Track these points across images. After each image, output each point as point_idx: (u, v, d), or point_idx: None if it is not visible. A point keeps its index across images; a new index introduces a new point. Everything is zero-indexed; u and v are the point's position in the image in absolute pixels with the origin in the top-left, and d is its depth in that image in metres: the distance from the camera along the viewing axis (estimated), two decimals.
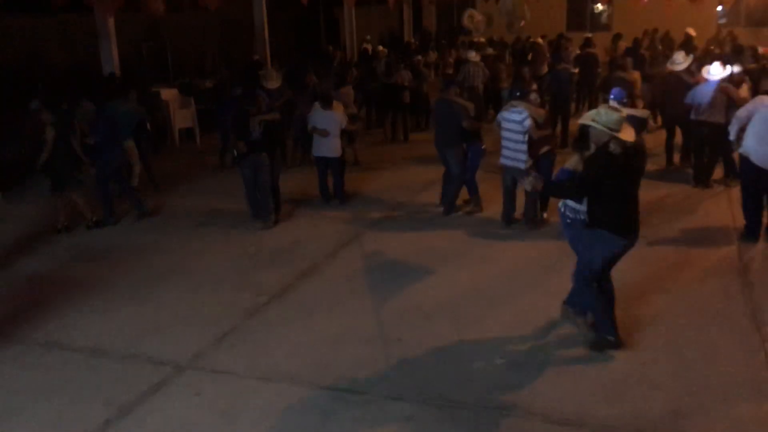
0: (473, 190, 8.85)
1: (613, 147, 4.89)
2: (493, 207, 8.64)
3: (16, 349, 5.69)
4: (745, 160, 7.38)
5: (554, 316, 5.83)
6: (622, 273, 6.30)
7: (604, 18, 25.14)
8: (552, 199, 7.90)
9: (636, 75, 11.25)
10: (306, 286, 6.78)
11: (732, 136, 7.69)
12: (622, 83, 9.90)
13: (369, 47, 18.67)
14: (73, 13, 14.75)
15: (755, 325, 5.58)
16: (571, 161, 5.52)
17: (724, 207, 8.64)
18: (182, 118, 13.87)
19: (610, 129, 4.85)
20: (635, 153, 5.02)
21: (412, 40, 21.29)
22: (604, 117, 4.89)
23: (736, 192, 8.28)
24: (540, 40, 16.59)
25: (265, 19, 17.13)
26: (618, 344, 5.23)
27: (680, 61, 10.27)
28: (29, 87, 14.29)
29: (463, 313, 6.00)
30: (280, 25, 21.00)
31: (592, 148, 5.10)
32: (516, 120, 7.66)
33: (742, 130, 7.53)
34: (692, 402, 4.57)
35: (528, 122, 7.57)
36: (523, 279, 6.69)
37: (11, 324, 6.17)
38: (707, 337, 5.41)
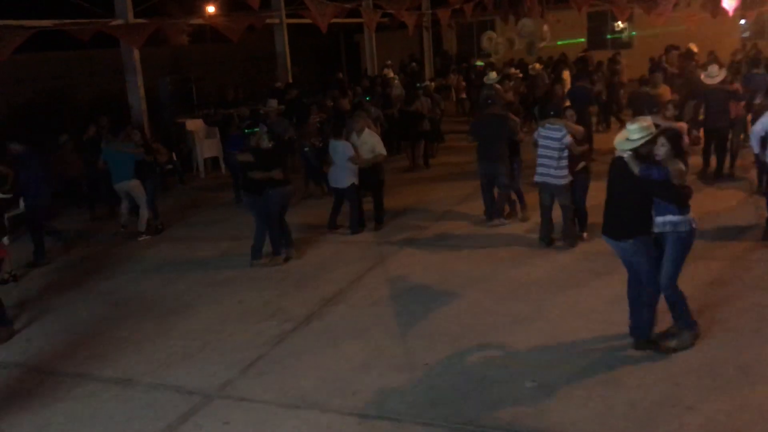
0: (521, 200, 9.22)
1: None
2: (519, 224, 8.86)
3: (47, 381, 5.75)
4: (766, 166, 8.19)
5: (582, 337, 5.76)
6: None
7: (625, 36, 25.05)
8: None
9: (663, 90, 11.28)
10: (332, 312, 6.78)
11: (756, 150, 8.15)
12: (647, 98, 10.14)
13: (390, 72, 18.75)
14: (100, 47, 15.11)
15: None
16: None
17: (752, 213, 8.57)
18: (207, 148, 14.08)
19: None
20: (614, 163, 5.51)
21: (415, 66, 21.28)
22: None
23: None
24: (537, 66, 16.57)
25: (287, 48, 17.35)
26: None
27: (715, 73, 10.43)
28: (58, 120, 14.65)
29: (490, 336, 5.94)
30: (301, 53, 21.29)
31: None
32: (555, 137, 7.67)
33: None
34: (728, 424, 4.46)
35: (567, 139, 7.62)
36: (550, 301, 6.60)
37: (42, 357, 6.25)
38: (742, 357, 5.28)
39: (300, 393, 5.24)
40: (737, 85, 10.77)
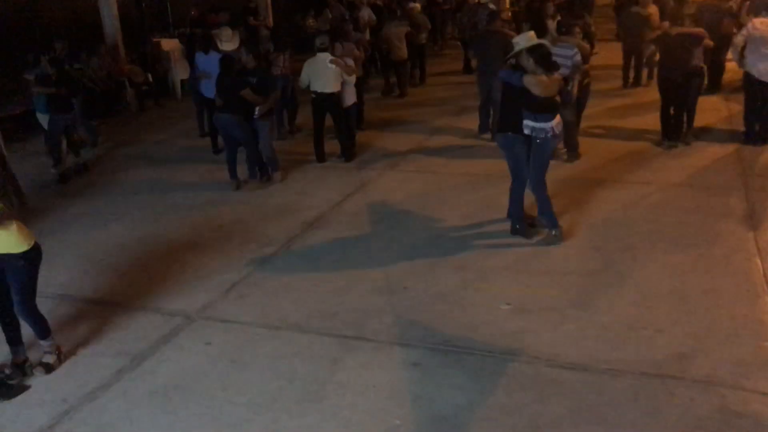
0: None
1: None
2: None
3: None
4: (747, 75, 8.60)
5: (556, 262, 5.88)
6: (629, 218, 6.33)
7: None
8: None
9: (653, 9, 11.31)
10: (312, 236, 6.82)
11: (735, 58, 8.82)
12: (638, 18, 11.09)
13: None
14: None
15: (760, 269, 5.60)
16: None
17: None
18: (183, 69, 13.73)
19: None
20: None
21: None
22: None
23: None
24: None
25: None
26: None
27: None
28: (28, 41, 14.16)
29: (468, 260, 6.04)
30: None
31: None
32: (567, 55, 7.56)
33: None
34: (695, 345, 4.62)
35: (578, 57, 7.66)
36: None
37: None
38: (711, 282, 5.44)
39: (280, 315, 5.33)
40: (732, 3, 11.32)
